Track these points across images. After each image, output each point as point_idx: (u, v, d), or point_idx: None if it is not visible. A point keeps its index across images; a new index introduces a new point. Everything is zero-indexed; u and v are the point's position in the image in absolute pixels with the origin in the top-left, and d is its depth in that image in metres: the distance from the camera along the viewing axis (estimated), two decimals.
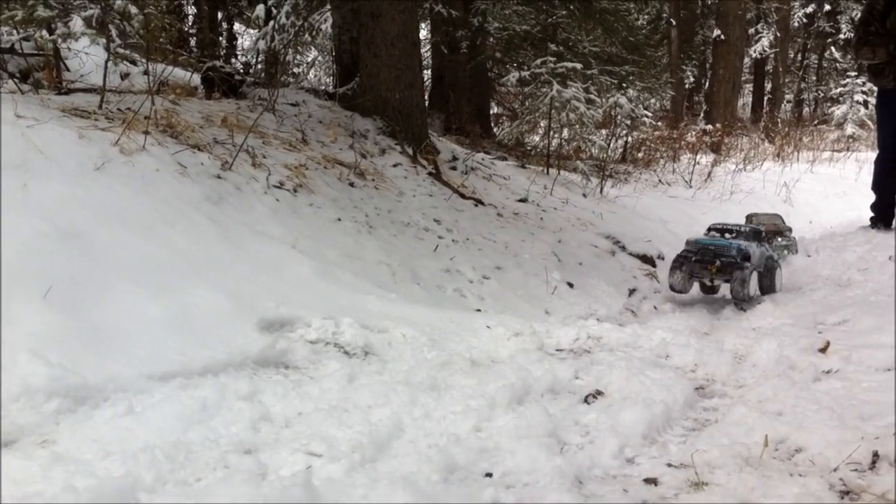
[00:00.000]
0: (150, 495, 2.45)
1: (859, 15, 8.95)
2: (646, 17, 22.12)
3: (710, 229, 6.70)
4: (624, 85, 13.78)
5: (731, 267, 6.12)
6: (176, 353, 3.61)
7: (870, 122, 18.83)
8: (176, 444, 2.76)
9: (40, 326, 3.38)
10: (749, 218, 8.69)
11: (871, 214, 8.68)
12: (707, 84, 22.19)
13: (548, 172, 10.23)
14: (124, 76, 8.15)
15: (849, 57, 24.08)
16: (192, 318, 3.91)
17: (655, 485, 2.78)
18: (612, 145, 12.95)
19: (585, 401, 3.53)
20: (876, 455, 2.83)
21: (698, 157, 14.27)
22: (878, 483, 2.69)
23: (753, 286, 6.14)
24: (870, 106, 19.69)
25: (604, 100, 12.57)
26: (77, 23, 6.97)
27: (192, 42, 13.26)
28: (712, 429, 3.27)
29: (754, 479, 2.74)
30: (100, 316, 3.63)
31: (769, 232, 8.03)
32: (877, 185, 8.58)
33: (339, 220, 5.72)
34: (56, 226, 4.06)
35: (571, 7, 13.29)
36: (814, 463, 2.85)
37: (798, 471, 2.82)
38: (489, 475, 2.79)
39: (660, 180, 12.50)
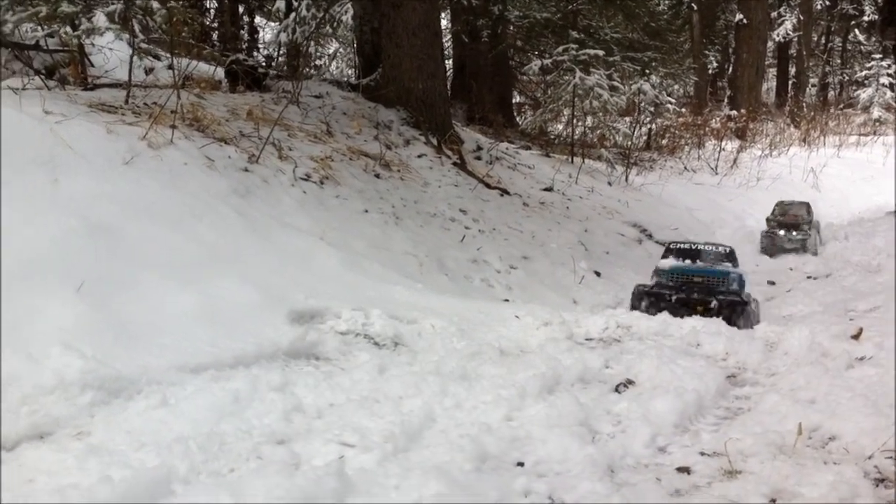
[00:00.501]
0: (185, 486, 2.47)
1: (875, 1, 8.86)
2: (667, 1, 21.92)
3: (672, 251, 5.65)
4: (647, 71, 13.68)
5: (730, 307, 4.94)
6: (207, 345, 3.64)
7: None
8: (209, 435, 2.78)
9: (73, 320, 3.41)
10: (778, 206, 8.65)
11: None
12: (730, 69, 21.94)
13: (572, 161, 10.19)
14: (149, 71, 8.18)
15: (873, 39, 23.76)
16: (222, 311, 3.93)
17: (688, 473, 2.77)
18: (636, 132, 12.87)
19: (616, 390, 3.52)
20: None
21: (723, 143, 14.14)
22: None
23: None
24: None
25: (627, 87, 12.48)
26: (100, 18, 7.02)
27: (215, 36, 13.29)
28: (745, 417, 3.26)
29: (788, 467, 2.72)
30: (130, 309, 3.66)
31: (785, 225, 8.05)
32: None
33: (366, 211, 5.73)
34: (86, 220, 4.09)
35: None
36: (848, 451, 2.83)
37: (832, 458, 2.80)
38: (521, 464, 2.80)
39: (685, 167, 12.43)
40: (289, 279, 4.39)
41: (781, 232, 8.12)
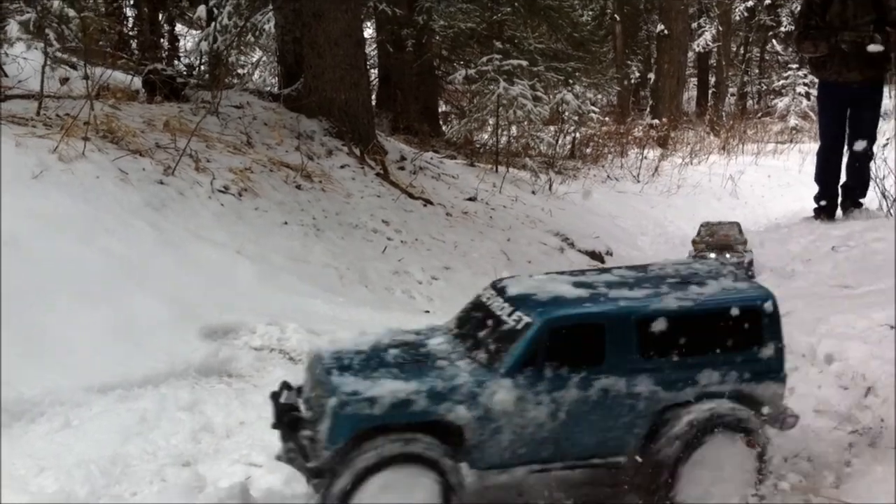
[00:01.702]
0: None
1: (799, 8, 9.09)
2: (590, 13, 22.21)
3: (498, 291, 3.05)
4: (570, 81, 13.85)
5: None
6: (116, 363, 3.56)
7: (812, 114, 19.14)
8: (113, 457, 2.73)
9: None
10: (704, 227, 7.74)
11: (815, 205, 8.81)
12: (652, 79, 22.37)
13: (496, 170, 10.24)
14: (63, 81, 7.98)
15: (790, 49, 24.46)
16: (133, 328, 3.85)
17: None
18: (560, 141, 13.01)
19: None
20: None
21: (645, 151, 14.38)
22: None
23: None
24: (812, 98, 20.02)
25: (550, 97, 12.62)
26: (13, 28, 6.83)
27: (133, 44, 13.05)
28: None
29: None
30: (38, 327, 3.57)
31: (716, 247, 7.16)
32: (819, 176, 8.71)
33: (286, 223, 5.68)
34: None
35: (516, 4, 13.33)
36: None
37: None
38: None
39: (608, 175, 12.59)
40: (204, 294, 4.32)
41: (712, 255, 7.14)
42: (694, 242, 7.46)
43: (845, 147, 8.42)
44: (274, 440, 2.93)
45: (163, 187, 5.33)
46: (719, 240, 7.26)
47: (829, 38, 7.92)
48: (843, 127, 8.39)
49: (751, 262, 6.88)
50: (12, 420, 2.97)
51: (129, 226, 4.67)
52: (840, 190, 8.63)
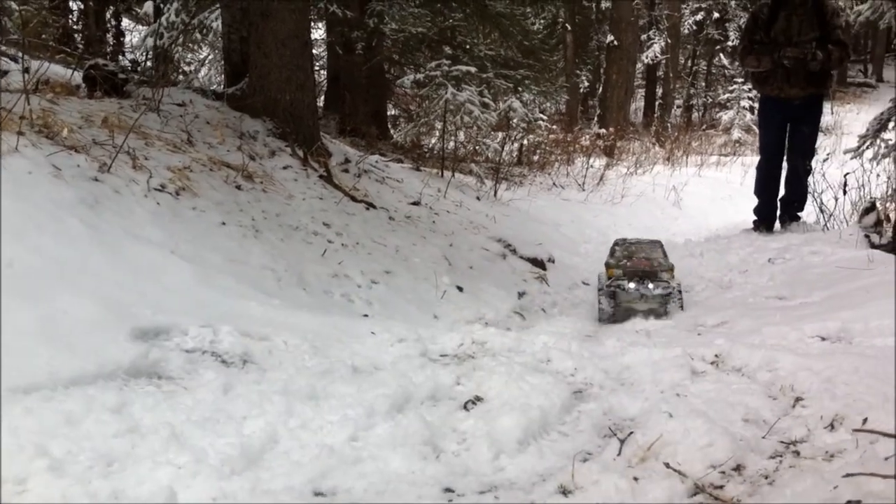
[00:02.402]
0: None
1: (745, 23, 9.25)
2: (542, 21, 22.39)
3: None
4: (520, 89, 13.94)
5: None
6: (44, 363, 3.46)
7: (755, 127, 19.48)
8: (33, 458, 2.65)
9: None
10: (620, 247, 6.63)
11: (755, 218, 8.97)
12: (601, 89, 22.61)
13: (442, 175, 10.25)
14: (2, 74, 7.81)
15: (736, 64, 24.90)
16: (63, 328, 3.75)
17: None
18: (507, 148, 13.08)
19: (465, 407, 3.53)
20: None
21: (591, 160, 14.54)
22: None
23: None
24: (755, 111, 20.41)
25: (499, 103, 12.69)
26: None
27: (78, 38, 12.82)
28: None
29: (624, 482, 2.78)
30: None
31: (636, 274, 6.01)
32: (759, 189, 8.88)
33: (224, 224, 5.60)
34: None
35: (467, 10, 13.38)
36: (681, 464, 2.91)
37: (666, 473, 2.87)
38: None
39: (554, 183, 12.69)
40: (137, 294, 4.23)
41: (631, 285, 6.01)
42: (608, 266, 6.26)
43: (784, 161, 8.59)
44: (202, 443, 2.90)
45: (98, 184, 5.22)
46: (639, 265, 6.08)
47: (772, 53, 8.09)
48: (783, 141, 8.58)
49: (679, 291, 5.92)
50: None
51: (63, 223, 4.56)
52: (779, 203, 8.81)
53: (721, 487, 2.76)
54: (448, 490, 2.78)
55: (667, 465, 2.82)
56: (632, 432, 3.10)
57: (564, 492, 2.75)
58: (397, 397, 3.50)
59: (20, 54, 8.48)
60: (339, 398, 3.48)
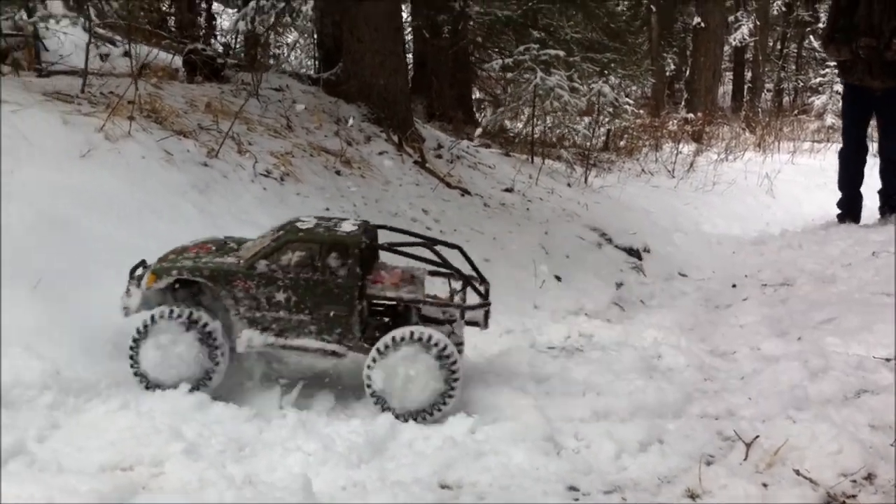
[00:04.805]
0: None
1: (828, 10, 8.94)
2: (626, 2, 22.02)
3: None
4: (606, 72, 13.75)
5: None
6: None
7: None
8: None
9: (30, 319, 3.35)
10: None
11: (838, 211, 8.70)
12: (687, 72, 22.20)
13: (532, 161, 10.18)
14: (104, 57, 7.99)
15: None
16: None
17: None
18: (594, 133, 12.91)
19: (580, 403, 3.51)
20: None
21: (680, 145, 14.24)
22: None
23: None
24: None
25: (587, 87, 12.52)
26: (57, 4, 6.82)
27: (171, 22, 13.03)
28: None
29: (754, 487, 2.72)
30: (87, 308, 3.58)
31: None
32: (841, 181, 8.61)
33: (327, 209, 5.66)
34: (42, 214, 4.00)
35: None
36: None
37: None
38: None
39: (643, 169, 12.48)
40: None
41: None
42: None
43: (870, 152, 8.30)
44: (326, 430, 2.93)
45: (207, 169, 5.33)
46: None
47: (851, 42, 7.78)
48: (864, 131, 8.27)
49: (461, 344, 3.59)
50: (69, 396, 3.01)
51: (176, 208, 4.67)
52: (878, 196, 8.53)
53: (854, 497, 2.69)
54: (572, 488, 2.77)
55: (797, 473, 2.75)
56: (757, 436, 3.03)
57: (692, 495, 2.72)
58: (511, 390, 3.50)
59: (117, 37, 8.68)
60: None
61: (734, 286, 6.66)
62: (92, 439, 2.76)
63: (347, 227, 3.45)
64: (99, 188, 4.42)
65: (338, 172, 6.42)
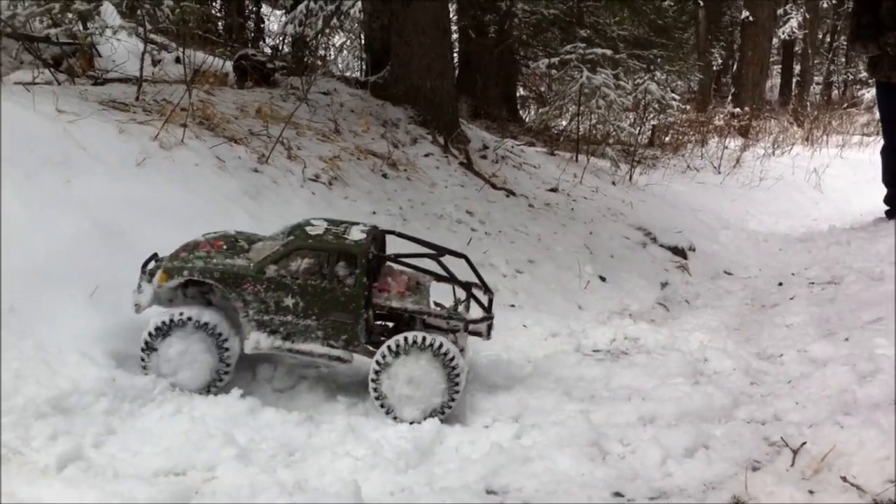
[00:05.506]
0: None
1: (851, 7, 8.80)
2: None
3: None
4: (652, 68, 13.67)
5: None
6: None
7: None
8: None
9: (87, 326, 3.46)
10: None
11: (886, 208, 8.59)
12: (735, 66, 21.97)
13: (577, 160, 10.19)
14: (156, 62, 8.17)
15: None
16: None
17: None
18: (640, 130, 12.85)
19: (625, 408, 3.54)
20: None
21: (726, 140, 14.11)
22: None
23: None
24: None
25: (632, 84, 12.46)
26: (109, 10, 6.97)
27: (220, 26, 13.22)
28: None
29: (800, 494, 2.74)
30: (143, 315, 3.68)
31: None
32: (885, 177, 8.51)
33: (374, 213, 5.75)
34: (98, 223, 4.12)
35: None
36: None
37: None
38: None
39: (688, 166, 12.41)
40: None
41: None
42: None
43: None
44: (374, 435, 3.01)
45: (257, 175, 5.44)
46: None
47: (877, 37, 7.67)
48: None
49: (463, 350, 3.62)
50: (124, 402, 3.12)
51: (228, 214, 4.78)
52: None
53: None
54: (618, 494, 2.81)
55: (844, 479, 2.76)
56: (804, 442, 3.04)
57: (738, 502, 2.74)
58: (557, 394, 3.55)
59: (170, 43, 8.85)
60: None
61: (781, 284, 6.62)
62: (147, 445, 2.86)
63: (356, 233, 3.51)
64: (154, 196, 4.54)
65: (384, 175, 6.51)
